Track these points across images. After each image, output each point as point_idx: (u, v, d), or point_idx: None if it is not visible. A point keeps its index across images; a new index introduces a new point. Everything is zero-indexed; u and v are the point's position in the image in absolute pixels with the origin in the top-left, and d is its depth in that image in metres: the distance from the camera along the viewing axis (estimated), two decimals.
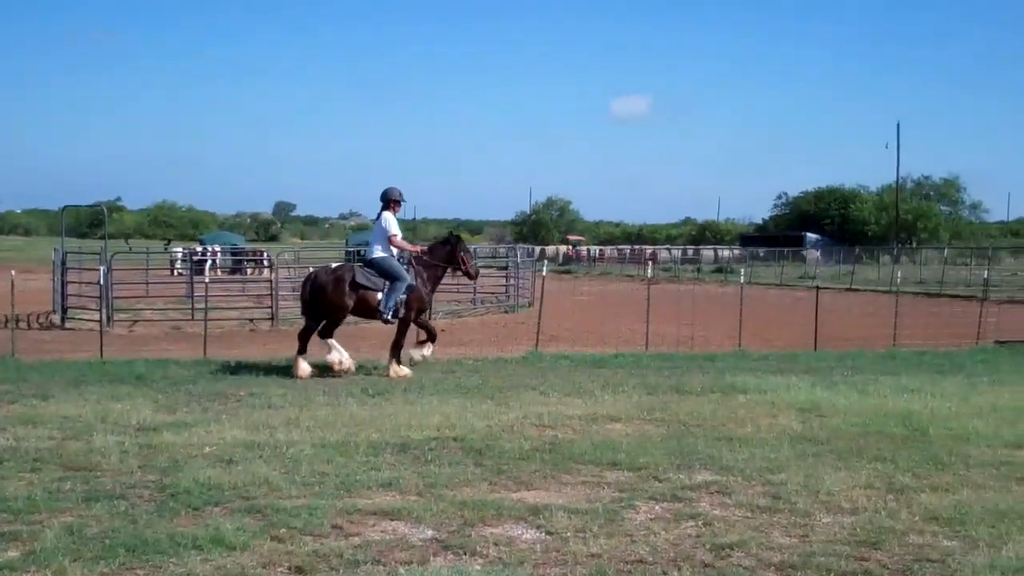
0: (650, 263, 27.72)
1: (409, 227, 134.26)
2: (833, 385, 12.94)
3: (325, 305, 14.31)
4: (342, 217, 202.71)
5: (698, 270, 70.21)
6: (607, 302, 34.99)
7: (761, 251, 78.14)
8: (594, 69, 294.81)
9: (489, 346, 19.31)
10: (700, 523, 6.64)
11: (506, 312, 31.05)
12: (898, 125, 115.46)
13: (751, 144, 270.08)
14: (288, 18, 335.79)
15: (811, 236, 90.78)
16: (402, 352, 14.46)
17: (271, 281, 27.36)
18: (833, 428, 10.03)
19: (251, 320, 25.30)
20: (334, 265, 15.54)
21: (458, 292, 34.38)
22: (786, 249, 72.72)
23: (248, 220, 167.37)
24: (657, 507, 7.05)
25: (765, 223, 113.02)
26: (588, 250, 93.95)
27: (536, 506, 6.92)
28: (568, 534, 6.31)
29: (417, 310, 14.71)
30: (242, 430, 9.52)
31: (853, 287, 46.46)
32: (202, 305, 20.94)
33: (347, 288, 14.21)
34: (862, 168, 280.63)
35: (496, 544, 6.10)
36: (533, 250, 55.85)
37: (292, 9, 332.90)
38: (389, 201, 14.71)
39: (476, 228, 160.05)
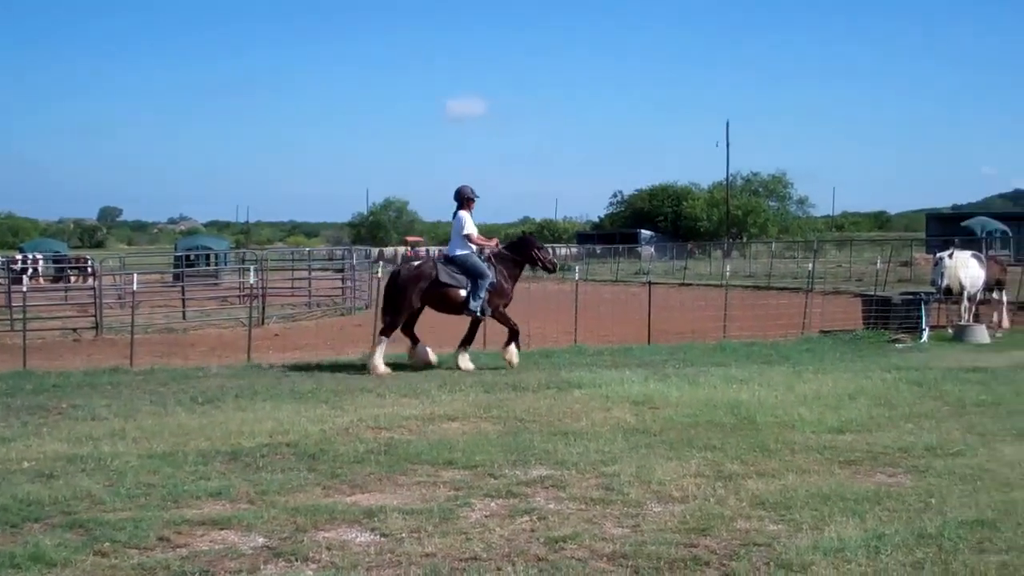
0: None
1: (242, 230, 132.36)
2: (666, 377, 13.20)
3: (403, 302, 14.75)
4: (171, 221, 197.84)
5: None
6: None
7: (598, 248, 79.53)
8: (428, 69, 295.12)
9: (325, 349, 19.03)
10: (534, 518, 6.66)
11: (342, 315, 30.70)
12: (727, 124, 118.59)
13: (588, 144, 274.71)
14: (108, 18, 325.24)
15: (646, 233, 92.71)
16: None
17: (95, 289, 26.45)
18: (665, 419, 10.22)
19: (74, 330, 24.32)
20: (416, 263, 15.90)
21: (292, 296, 33.96)
22: (621, 246, 74.03)
23: (72, 226, 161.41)
24: (492, 504, 7.05)
25: (602, 221, 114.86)
26: (427, 251, 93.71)
27: (370, 509, 6.83)
28: (403, 535, 6.24)
29: (503, 305, 15.18)
30: (64, 443, 9.13)
31: (686, 282, 47.59)
32: (20, 315, 20.02)
33: (429, 286, 14.67)
34: (694, 166, 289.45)
35: (329, 549, 5.99)
36: (370, 252, 55.45)
37: (114, 8, 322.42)
38: (463, 199, 15.08)
39: (312, 231, 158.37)
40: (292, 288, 35.56)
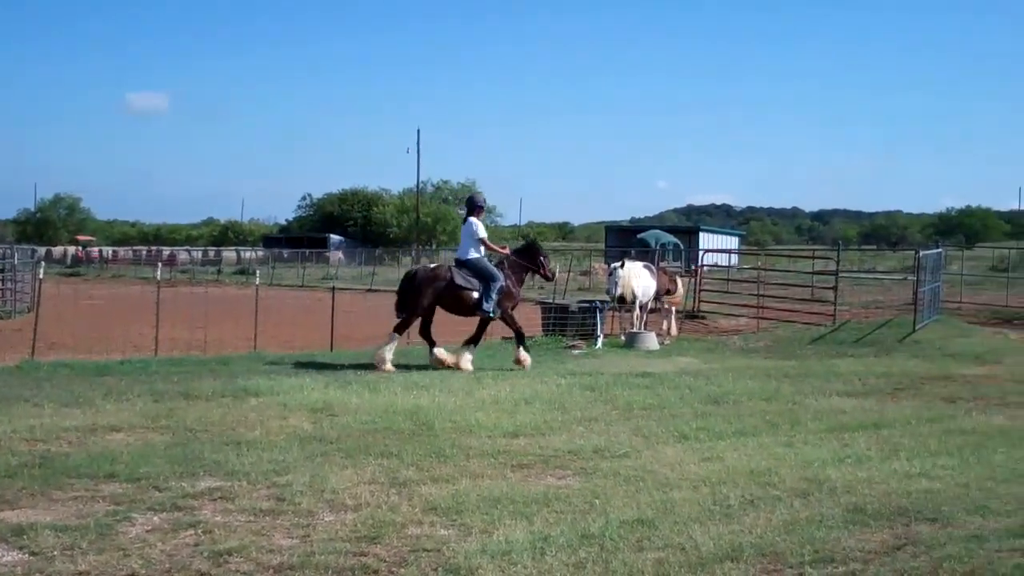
0: (160, 265, 26.64)
1: None
2: (346, 384, 13.04)
3: (421, 301, 15.42)
4: None
5: (219, 272, 68.95)
6: (118, 306, 33.17)
7: (285, 252, 78.34)
8: (107, 58, 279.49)
9: None
10: (200, 531, 6.36)
11: (1, 318, 28.63)
12: (418, 131, 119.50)
13: (276, 145, 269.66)
14: None
15: (335, 238, 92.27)
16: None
17: None
18: (343, 427, 10.08)
19: None
20: (432, 265, 16.37)
21: None
22: (309, 250, 73.29)
23: None
24: (155, 518, 6.67)
25: (290, 224, 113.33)
26: (100, 251, 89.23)
27: (20, 526, 6.30)
28: (54, 553, 5.80)
29: (511, 307, 16.02)
30: None
31: (374, 287, 47.65)
32: None
33: (445, 288, 15.37)
34: (385, 172, 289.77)
35: None
36: (36, 251, 52.10)
37: None
38: (474, 207, 16.21)
39: None
40: None
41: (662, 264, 30.71)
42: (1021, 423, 10.99)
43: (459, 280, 15.49)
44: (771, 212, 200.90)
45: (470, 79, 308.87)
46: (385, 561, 5.86)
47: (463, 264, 15.75)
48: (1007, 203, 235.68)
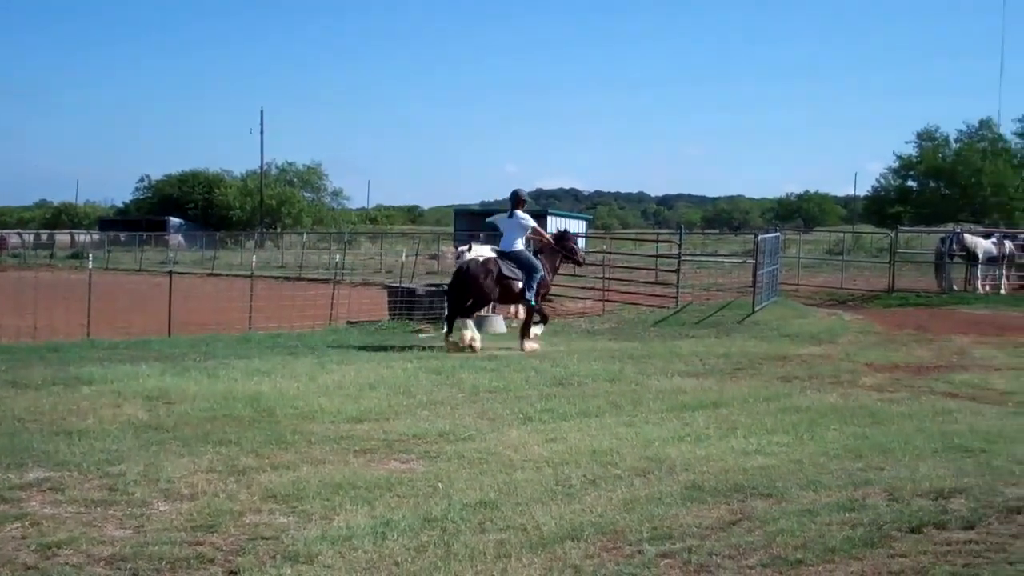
0: None
1: None
2: (185, 371, 12.68)
3: (477, 293, 16.25)
4: None
5: (51, 256, 66.42)
6: None
7: (122, 235, 75.96)
8: None
9: None
10: (27, 523, 6.10)
11: None
12: (262, 111, 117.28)
13: (112, 125, 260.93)
14: None
15: (175, 220, 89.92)
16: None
17: None
18: (180, 415, 9.78)
19: None
20: (482, 258, 16.64)
21: None
22: (148, 234, 71.25)
23: None
24: None
25: (127, 207, 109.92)
26: None
27: None
28: None
29: (544, 294, 17.27)
30: None
31: (215, 272, 46.67)
32: None
33: (495, 279, 16.19)
34: (227, 153, 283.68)
35: None
36: None
37: None
38: (519, 200, 16.82)
39: None
40: None
41: None
42: (853, 401, 11.37)
43: (506, 271, 16.37)
44: (618, 196, 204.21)
45: (316, 59, 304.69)
46: (222, 550, 5.72)
47: (507, 256, 16.60)
48: (843, 188, 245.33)
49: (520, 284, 16.49)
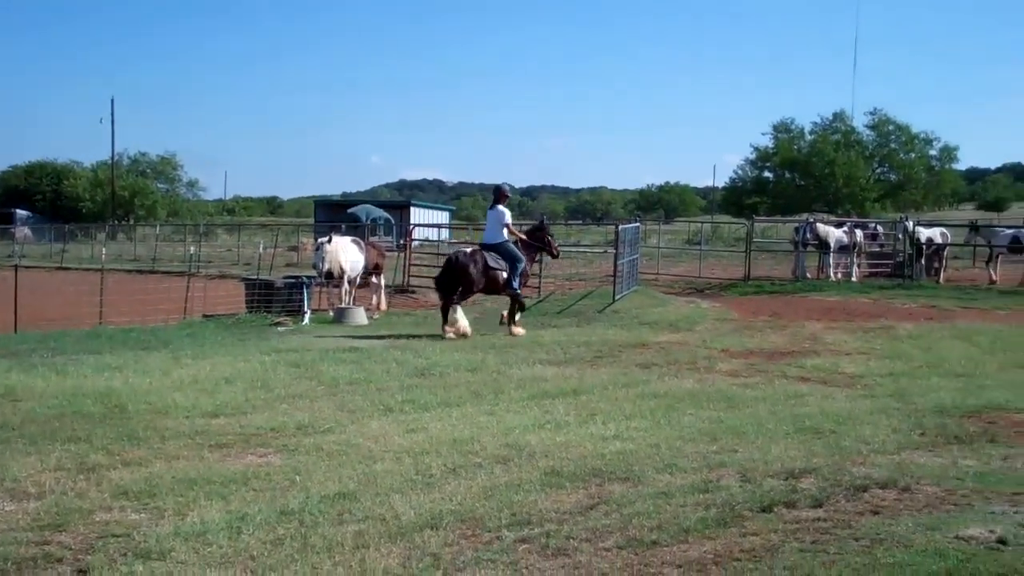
0: None
1: None
2: (32, 368, 12.25)
3: (465, 283, 16.97)
4: None
5: None
6: None
7: None
8: None
9: None
10: None
11: None
12: (112, 100, 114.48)
13: None
14: None
15: (21, 212, 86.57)
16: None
17: None
18: (27, 412, 9.45)
19: None
20: (468, 250, 17.74)
21: None
22: None
23: None
24: None
25: None
26: None
27: None
28: None
29: (524, 284, 18.17)
30: None
31: (64, 265, 45.15)
32: None
33: (481, 270, 17.01)
34: (76, 143, 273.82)
35: None
36: None
37: None
38: (501, 195, 17.91)
39: None
40: None
41: (372, 239, 30.60)
42: (709, 386, 11.61)
43: (491, 263, 17.15)
44: (482, 188, 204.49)
45: (169, 47, 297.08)
46: (70, 549, 5.57)
47: (491, 248, 17.40)
48: (703, 180, 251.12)
49: (504, 274, 17.28)
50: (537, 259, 20.21)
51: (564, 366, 13.24)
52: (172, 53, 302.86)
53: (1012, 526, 5.59)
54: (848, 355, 14.32)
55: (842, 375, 12.54)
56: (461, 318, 16.90)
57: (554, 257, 20.39)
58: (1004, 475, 7.06)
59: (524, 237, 18.15)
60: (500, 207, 17.66)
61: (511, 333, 17.00)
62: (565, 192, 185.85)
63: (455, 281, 17.03)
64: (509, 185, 19.01)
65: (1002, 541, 5.35)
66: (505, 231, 17.56)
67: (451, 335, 16.55)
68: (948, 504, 6.26)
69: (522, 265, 17.45)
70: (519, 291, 17.61)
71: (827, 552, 5.31)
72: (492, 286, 17.54)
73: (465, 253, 17.54)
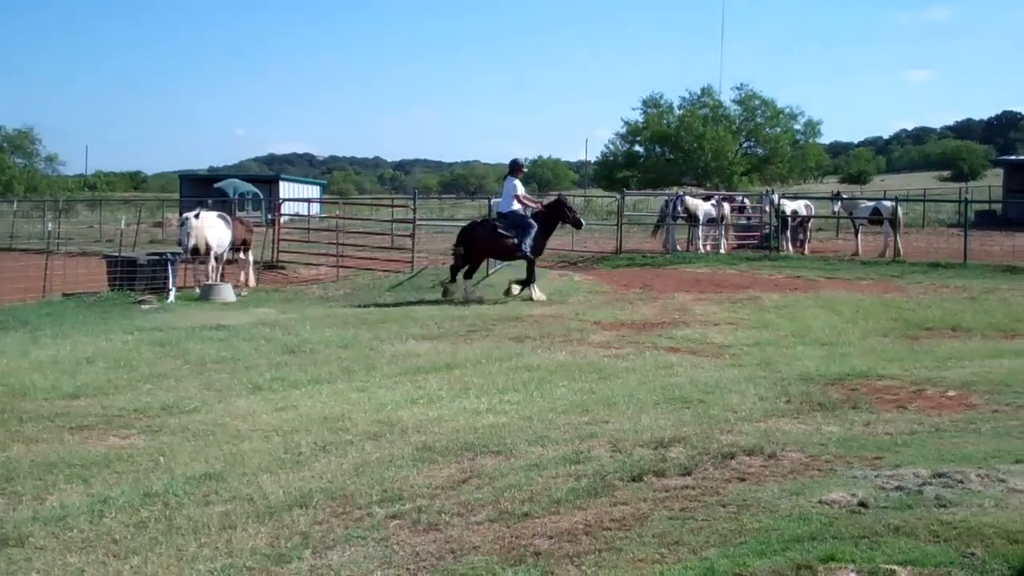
0: None
1: None
2: None
3: (477, 248, 18.84)
4: None
5: None
6: None
7: None
8: None
9: None
10: None
11: None
12: None
13: None
14: None
15: None
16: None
17: None
18: None
19: None
20: (480, 219, 20.12)
21: None
22: None
23: None
24: None
25: None
26: None
27: None
28: None
29: (539, 251, 19.27)
30: None
31: None
32: None
33: (491, 236, 18.63)
34: None
35: None
36: None
37: None
38: (516, 168, 19.18)
39: None
40: None
41: (239, 214, 30.00)
42: (582, 358, 11.69)
43: (501, 229, 18.64)
44: (354, 162, 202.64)
45: (24, 14, 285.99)
46: None
47: (503, 216, 18.94)
48: (575, 154, 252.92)
49: (512, 240, 18.54)
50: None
51: (438, 341, 13.20)
52: (28, 23, 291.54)
53: (873, 489, 5.73)
54: (716, 326, 14.58)
55: (711, 345, 12.76)
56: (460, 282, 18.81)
57: (577, 227, 21.32)
58: (866, 440, 7.24)
59: (539, 205, 19.85)
60: (513, 179, 18.99)
61: (532, 298, 18.22)
62: (439, 166, 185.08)
63: (469, 247, 18.79)
64: (525, 158, 20.69)
65: (863, 504, 5.48)
66: (515, 201, 18.76)
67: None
68: (812, 470, 6.39)
69: (532, 230, 18.57)
70: (528, 254, 18.63)
71: (695, 519, 5.37)
72: (503, 251, 19.20)
73: (477, 221, 20.09)
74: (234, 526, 5.49)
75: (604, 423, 8.01)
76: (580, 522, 5.44)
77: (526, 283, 18.77)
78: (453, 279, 18.95)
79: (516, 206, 18.83)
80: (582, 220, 21.42)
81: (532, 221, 18.80)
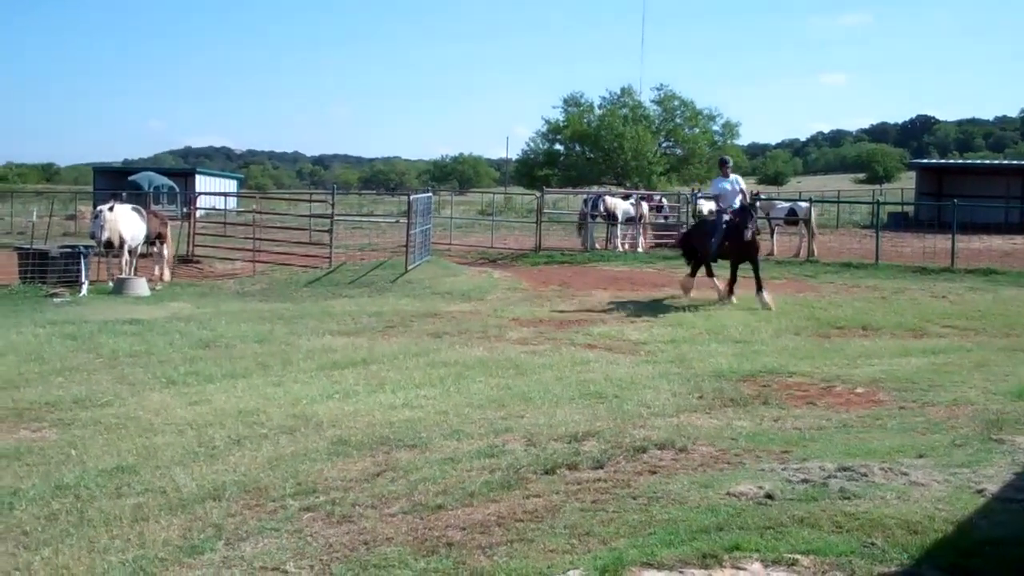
0: None
1: None
2: None
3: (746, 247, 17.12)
4: None
5: None
6: None
7: None
8: None
9: None
10: None
11: None
12: None
13: None
14: None
15: None
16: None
17: None
18: None
19: None
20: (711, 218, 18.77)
21: None
22: None
23: None
24: None
25: None
26: None
27: None
28: None
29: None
30: None
31: None
32: None
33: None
34: None
35: None
36: None
37: None
38: (725, 165, 18.29)
39: None
40: None
41: (154, 207, 29.55)
42: (499, 354, 11.76)
43: (750, 226, 16.93)
44: (272, 156, 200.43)
45: None
46: None
47: (740, 211, 17.27)
48: (496, 151, 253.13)
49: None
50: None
51: (355, 336, 13.19)
52: None
53: (780, 482, 5.89)
54: (633, 323, 14.75)
55: (626, 342, 12.91)
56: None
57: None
58: (775, 435, 7.43)
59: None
60: (736, 177, 18.10)
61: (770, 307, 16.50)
62: (359, 162, 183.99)
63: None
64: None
65: (770, 496, 5.64)
66: (738, 199, 17.58)
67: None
68: (722, 463, 6.55)
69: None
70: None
71: (606, 511, 5.48)
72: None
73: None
74: (147, 518, 5.48)
75: (520, 418, 8.10)
76: (493, 514, 5.52)
77: (759, 288, 16.98)
78: (709, 273, 18.05)
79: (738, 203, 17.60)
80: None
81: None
